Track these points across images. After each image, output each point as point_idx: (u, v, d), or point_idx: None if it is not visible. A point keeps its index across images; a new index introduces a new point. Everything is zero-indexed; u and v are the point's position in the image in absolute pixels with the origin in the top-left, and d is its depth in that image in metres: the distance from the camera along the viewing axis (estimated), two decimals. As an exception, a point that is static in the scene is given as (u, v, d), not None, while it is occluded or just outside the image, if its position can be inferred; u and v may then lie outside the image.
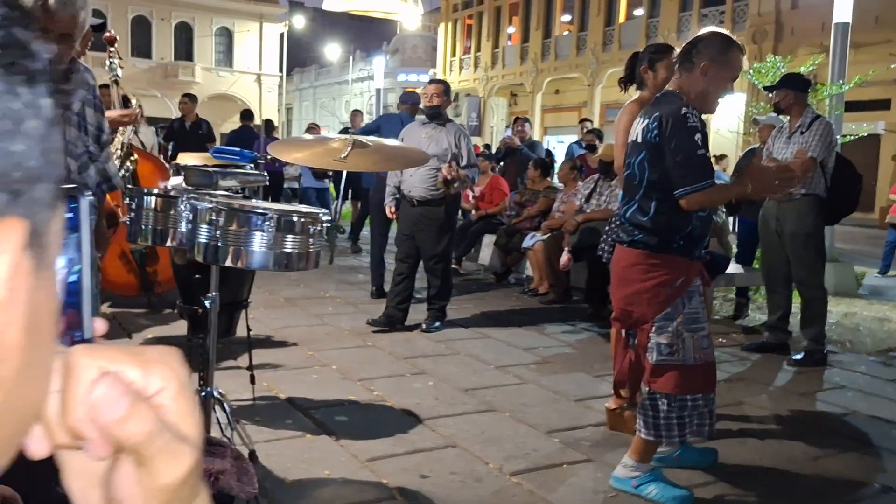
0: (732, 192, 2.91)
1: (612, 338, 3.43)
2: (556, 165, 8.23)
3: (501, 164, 8.50)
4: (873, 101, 16.25)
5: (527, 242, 6.65)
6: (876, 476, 2.99)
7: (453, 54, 33.11)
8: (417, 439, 3.12)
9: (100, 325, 0.42)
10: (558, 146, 16.50)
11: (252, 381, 3.27)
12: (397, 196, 4.97)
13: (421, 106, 5.02)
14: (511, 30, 30.16)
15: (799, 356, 4.50)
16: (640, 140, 2.61)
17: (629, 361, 2.67)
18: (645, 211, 2.58)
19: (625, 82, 3.46)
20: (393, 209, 5.04)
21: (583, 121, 9.92)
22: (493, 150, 9.61)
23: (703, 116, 2.57)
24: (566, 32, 27.50)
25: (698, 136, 2.47)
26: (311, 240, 2.07)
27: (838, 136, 5.70)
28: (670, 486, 2.62)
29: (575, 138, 10.61)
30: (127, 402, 0.35)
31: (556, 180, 7.54)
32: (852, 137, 7.84)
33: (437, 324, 5.02)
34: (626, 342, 2.68)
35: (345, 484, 2.67)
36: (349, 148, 2.44)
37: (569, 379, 4.11)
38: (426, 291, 5.22)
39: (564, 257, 6.03)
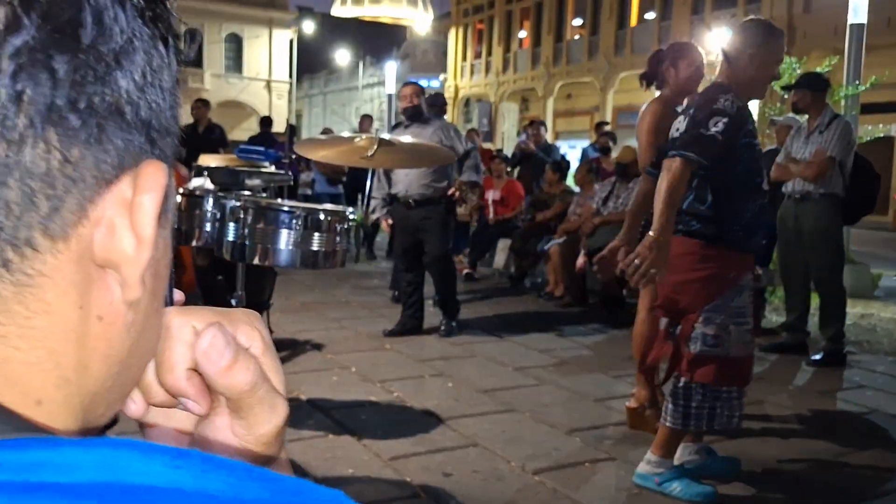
0: (664, 219, 2.44)
1: (638, 324, 3.43)
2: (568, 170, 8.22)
3: (517, 168, 8.50)
4: (887, 103, 16.13)
5: (543, 246, 6.65)
6: (900, 474, 2.98)
7: (464, 59, 33.16)
8: (439, 438, 3.13)
9: (178, 296, 0.44)
10: (570, 151, 16.47)
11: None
12: (387, 207, 4.93)
13: (400, 109, 4.97)
14: (522, 34, 30.17)
15: (818, 356, 4.48)
16: (682, 132, 2.62)
17: (670, 351, 2.67)
18: (703, 200, 2.58)
19: (647, 80, 3.47)
20: (390, 220, 5.01)
21: (599, 124, 9.92)
22: (507, 155, 9.63)
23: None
24: (578, 37, 27.48)
25: (721, 121, 2.47)
26: (337, 238, 2.10)
27: (860, 140, 5.67)
28: (694, 483, 2.62)
29: (587, 143, 10.60)
30: (233, 351, 0.36)
31: (571, 183, 7.54)
32: (868, 139, 7.80)
33: (454, 324, 5.00)
34: (668, 331, 2.68)
35: (368, 482, 2.68)
36: (375, 146, 2.46)
37: (587, 379, 4.11)
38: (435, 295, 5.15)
39: (580, 260, 6.03)
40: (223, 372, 0.36)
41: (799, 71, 6.47)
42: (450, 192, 4.66)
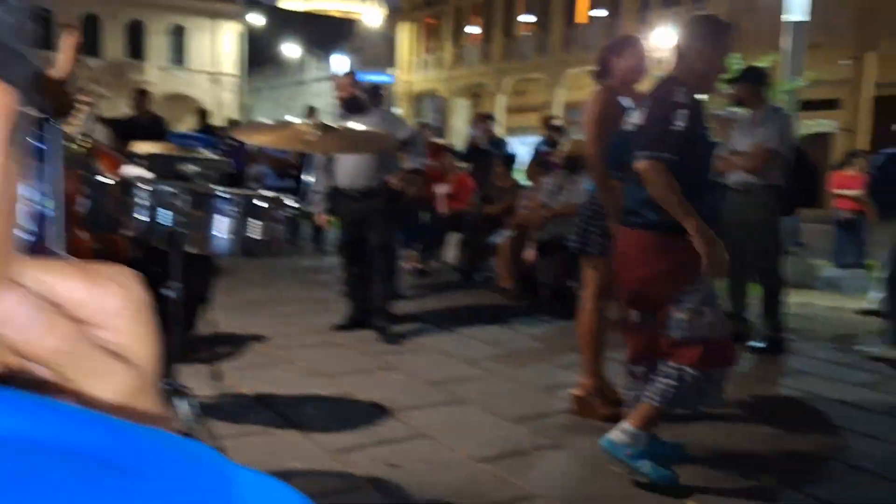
0: (688, 215, 2.50)
1: (583, 314, 3.44)
2: (521, 166, 8.25)
3: (469, 163, 8.50)
4: (824, 100, 16.70)
5: (493, 239, 6.66)
6: (838, 454, 3.06)
7: (415, 55, 33.08)
8: (386, 431, 3.10)
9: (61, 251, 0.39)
10: (522, 146, 16.58)
11: (217, 377, 3.22)
12: (328, 202, 4.79)
13: (338, 99, 4.83)
14: (473, 30, 30.24)
15: (759, 344, 4.59)
16: (642, 123, 2.62)
17: (646, 340, 2.67)
18: None
19: (597, 75, 3.48)
20: (327, 217, 4.88)
21: (548, 119, 9.97)
22: (459, 150, 9.62)
23: None
24: (528, 33, 27.68)
25: (683, 114, 2.51)
26: (276, 226, 2.04)
27: (798, 135, 5.83)
28: (659, 467, 2.63)
29: (538, 138, 10.67)
30: (38, 318, 0.32)
31: (521, 178, 7.57)
32: (806, 134, 8.04)
33: (395, 327, 4.77)
34: (641, 323, 2.67)
35: (314, 476, 2.63)
36: (316, 131, 2.41)
37: (536, 370, 4.13)
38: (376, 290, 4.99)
39: (530, 253, 6.06)
40: (20, 337, 0.32)
41: (742, 65, 6.61)
42: (391, 181, 4.56)
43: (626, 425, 2.65)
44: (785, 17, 6.98)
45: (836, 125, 18.17)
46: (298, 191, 8.20)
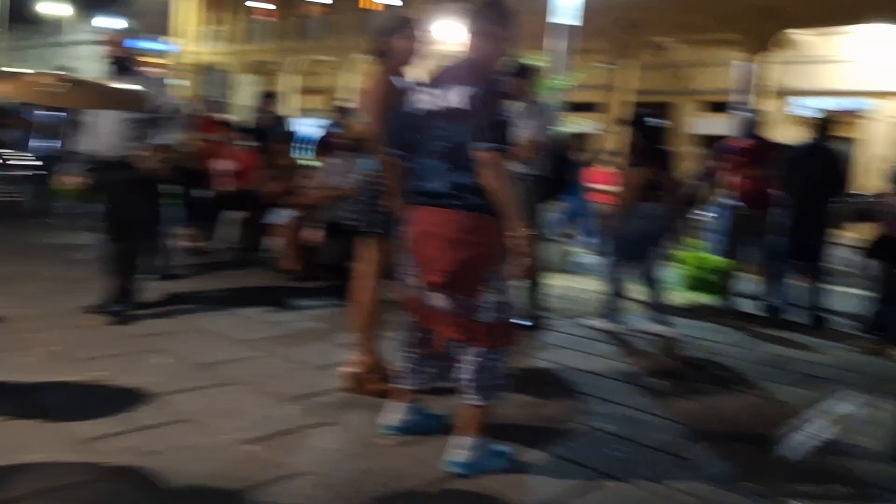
0: (512, 206, 2.57)
1: (358, 292, 3.47)
2: (312, 146, 8.15)
3: (254, 141, 8.22)
4: (590, 103, 18.35)
5: (275, 218, 6.50)
6: (580, 417, 3.39)
7: (201, 24, 31.19)
8: (146, 417, 2.92)
9: None
10: (313, 128, 16.34)
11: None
12: (86, 167, 4.42)
13: (107, 57, 4.44)
14: (262, 6, 29.22)
15: (522, 322, 4.95)
16: (459, 107, 2.62)
17: (446, 322, 2.69)
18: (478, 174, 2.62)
19: (376, 56, 3.51)
20: (81, 179, 4.47)
21: (335, 101, 9.94)
22: (244, 128, 9.26)
23: None
24: (318, 14, 27.33)
25: (506, 103, 2.62)
26: (6, 186, 1.82)
27: (560, 131, 6.35)
28: (496, 450, 2.73)
29: (327, 120, 10.60)
30: None
31: (307, 158, 7.47)
32: (568, 133, 8.79)
33: (129, 307, 4.45)
34: (445, 304, 2.69)
35: (53, 468, 2.40)
36: (64, 83, 2.17)
37: (312, 350, 4.12)
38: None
39: (312, 233, 6.01)
40: None
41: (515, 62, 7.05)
42: (133, 154, 4.24)
43: (465, 440, 2.66)
44: (552, 20, 7.56)
45: (598, 126, 20.06)
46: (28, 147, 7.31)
